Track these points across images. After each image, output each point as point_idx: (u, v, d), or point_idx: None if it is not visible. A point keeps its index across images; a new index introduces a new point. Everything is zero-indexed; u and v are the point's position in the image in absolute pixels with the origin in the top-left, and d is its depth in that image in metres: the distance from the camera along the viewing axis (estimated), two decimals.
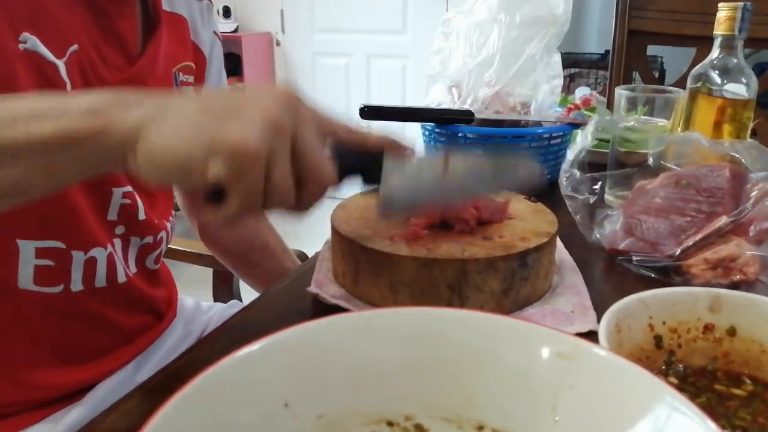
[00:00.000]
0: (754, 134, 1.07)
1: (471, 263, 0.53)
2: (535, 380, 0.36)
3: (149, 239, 0.72)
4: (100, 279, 0.65)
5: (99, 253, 0.64)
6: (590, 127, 0.70)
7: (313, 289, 0.58)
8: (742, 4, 0.76)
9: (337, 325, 0.35)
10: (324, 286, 0.60)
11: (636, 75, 1.62)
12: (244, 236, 0.96)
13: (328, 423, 0.36)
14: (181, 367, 0.52)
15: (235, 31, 3.50)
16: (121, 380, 0.71)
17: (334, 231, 0.60)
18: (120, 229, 0.67)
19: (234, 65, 3.47)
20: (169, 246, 1.16)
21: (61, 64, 0.56)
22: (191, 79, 0.74)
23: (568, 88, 3.36)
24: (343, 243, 0.58)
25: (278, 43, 3.54)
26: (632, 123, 0.72)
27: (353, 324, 0.36)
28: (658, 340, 0.45)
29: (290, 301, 0.62)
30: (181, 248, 1.15)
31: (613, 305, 0.43)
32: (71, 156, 0.40)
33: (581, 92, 1.37)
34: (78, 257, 0.62)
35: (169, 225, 0.76)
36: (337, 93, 3.46)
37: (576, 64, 3.46)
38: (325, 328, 0.35)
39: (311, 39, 3.48)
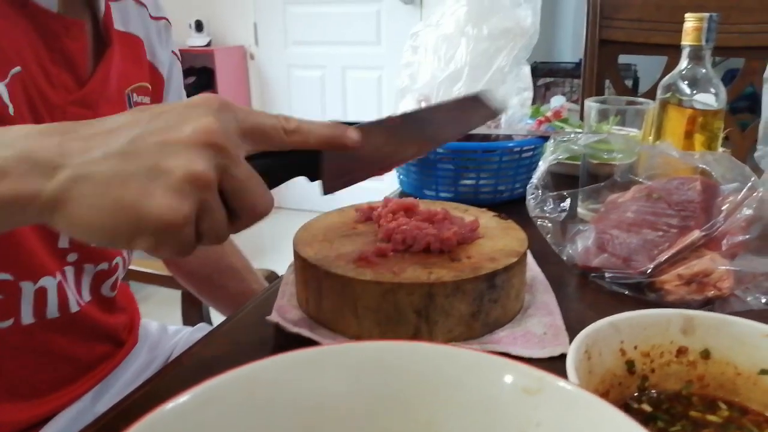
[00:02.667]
0: (726, 140, 1.07)
1: (438, 287, 0.51)
2: (500, 417, 0.34)
3: (104, 266, 0.69)
4: (52, 310, 0.62)
5: (49, 282, 0.61)
6: (548, 148, 0.69)
7: (273, 318, 0.55)
8: (708, 14, 0.76)
9: (280, 365, 0.33)
10: (287, 313, 0.57)
11: (608, 84, 1.62)
12: (209, 258, 0.93)
13: None
14: (137, 401, 0.50)
15: (208, 45, 3.46)
16: (80, 411, 0.68)
17: (296, 255, 0.57)
18: (72, 257, 0.64)
19: (207, 79, 3.44)
20: (137, 269, 1.14)
21: (2, 88, 0.53)
22: (147, 99, 0.72)
23: (543, 97, 3.37)
24: (306, 267, 0.56)
25: (252, 57, 3.51)
26: (594, 139, 0.70)
27: (299, 362, 0.33)
28: (630, 365, 0.43)
29: (253, 328, 0.59)
30: (148, 270, 1.12)
31: (582, 331, 0.41)
32: None
33: (557, 101, 1.37)
34: (27, 288, 0.59)
35: (125, 251, 0.73)
36: (313, 105, 3.44)
37: (551, 74, 3.50)
38: (266, 369, 0.33)
39: (285, 52, 3.46)
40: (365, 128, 0.49)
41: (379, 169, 0.55)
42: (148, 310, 0.86)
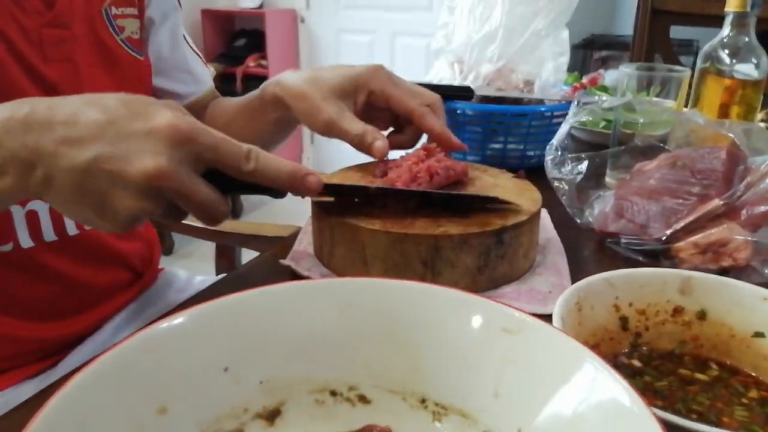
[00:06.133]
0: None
1: (444, 239, 0.53)
2: (480, 354, 0.35)
3: None
4: (48, 233, 0.63)
5: (38, 206, 0.62)
6: (572, 109, 0.68)
7: (287, 261, 0.58)
8: None
9: (275, 294, 0.35)
10: (301, 259, 0.60)
11: (659, 58, 1.57)
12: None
13: (269, 389, 0.36)
14: None
15: (260, 7, 3.49)
16: (103, 342, 0.71)
17: (313, 203, 0.60)
18: None
19: (257, 42, 3.47)
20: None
21: None
22: (130, 11, 0.71)
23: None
24: (320, 216, 0.58)
25: (302, 20, 3.52)
26: (618, 103, 0.69)
27: (289, 293, 0.36)
28: (623, 321, 0.44)
29: (268, 273, 0.61)
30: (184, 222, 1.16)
31: (575, 284, 0.42)
32: None
33: (611, 76, 1.33)
34: (17, 211, 0.61)
35: None
36: None
37: (609, 47, 3.36)
38: (262, 295, 0.35)
39: (336, 15, 3.45)
40: (330, 184, 0.53)
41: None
42: (190, 264, 0.89)
